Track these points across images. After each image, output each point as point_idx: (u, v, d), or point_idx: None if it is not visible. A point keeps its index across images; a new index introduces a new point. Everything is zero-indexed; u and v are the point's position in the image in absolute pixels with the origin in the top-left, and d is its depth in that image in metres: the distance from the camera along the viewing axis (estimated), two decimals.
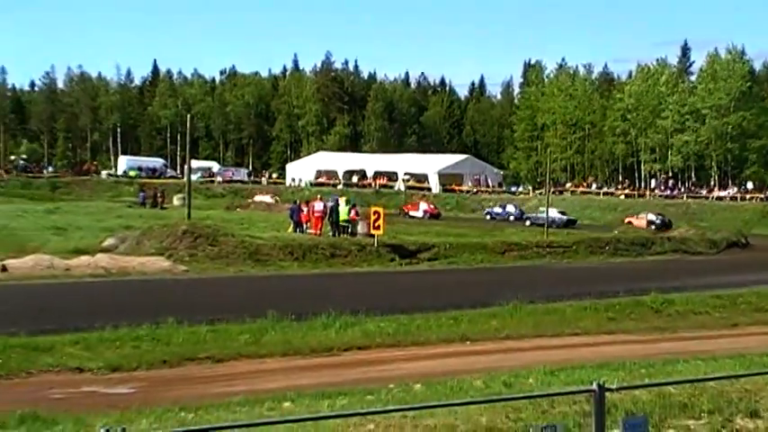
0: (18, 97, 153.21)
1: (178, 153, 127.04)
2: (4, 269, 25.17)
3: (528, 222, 67.05)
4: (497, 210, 73.48)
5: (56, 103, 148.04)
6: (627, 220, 69.70)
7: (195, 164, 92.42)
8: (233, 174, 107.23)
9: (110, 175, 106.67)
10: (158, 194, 68.69)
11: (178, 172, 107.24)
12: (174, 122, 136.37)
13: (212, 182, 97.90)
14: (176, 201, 67.51)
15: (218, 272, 28.41)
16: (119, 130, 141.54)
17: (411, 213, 72.86)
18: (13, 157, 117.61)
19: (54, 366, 12.48)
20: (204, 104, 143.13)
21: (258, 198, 77.74)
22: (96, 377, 12.26)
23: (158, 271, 27.44)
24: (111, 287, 23.95)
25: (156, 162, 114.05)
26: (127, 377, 12.39)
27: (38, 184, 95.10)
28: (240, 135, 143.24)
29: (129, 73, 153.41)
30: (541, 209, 66.09)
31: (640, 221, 68.11)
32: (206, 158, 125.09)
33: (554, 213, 66.16)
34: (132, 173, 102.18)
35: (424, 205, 76.34)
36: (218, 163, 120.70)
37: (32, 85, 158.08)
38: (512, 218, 71.26)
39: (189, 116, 42.57)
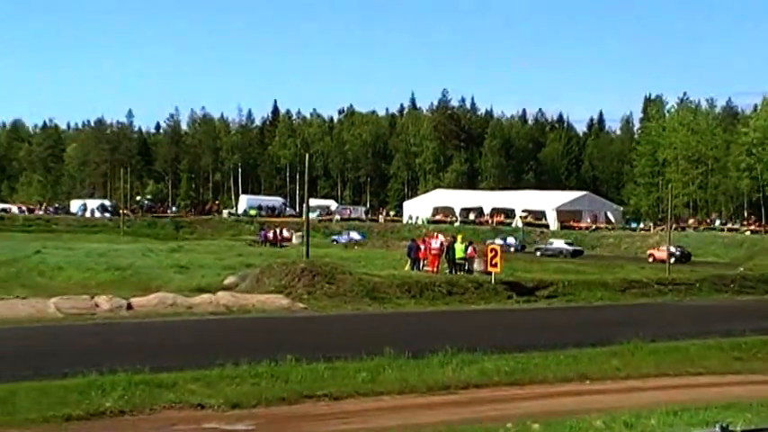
0: (144, 139, 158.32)
1: (297, 192, 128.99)
2: (130, 307, 25.88)
3: (539, 253, 68.93)
4: (498, 241, 69.61)
5: (180, 144, 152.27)
6: (649, 253, 69.56)
7: (314, 202, 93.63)
8: (351, 212, 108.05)
9: (231, 214, 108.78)
10: (277, 233, 69.75)
11: (297, 210, 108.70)
12: (293, 162, 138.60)
13: (330, 220, 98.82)
14: (295, 239, 68.45)
15: (336, 309, 28.61)
16: (239, 169, 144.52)
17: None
18: (138, 198, 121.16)
19: (176, 403, 12.72)
20: (323, 143, 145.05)
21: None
22: (217, 414, 12.45)
23: (277, 308, 27.82)
24: (231, 324, 24.37)
25: (276, 201, 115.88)
26: (246, 414, 12.54)
27: (162, 223, 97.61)
28: (358, 173, 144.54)
29: (249, 114, 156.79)
30: (550, 240, 73.16)
31: (661, 253, 63.32)
32: (324, 197, 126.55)
33: (561, 244, 72.16)
34: (252, 211, 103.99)
35: (441, 237, 75.09)
36: (337, 201, 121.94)
37: (158, 127, 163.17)
38: (512, 249, 69.82)
39: (307, 155, 43.35)
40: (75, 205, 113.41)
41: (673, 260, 59.24)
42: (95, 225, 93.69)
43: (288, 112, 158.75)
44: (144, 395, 12.78)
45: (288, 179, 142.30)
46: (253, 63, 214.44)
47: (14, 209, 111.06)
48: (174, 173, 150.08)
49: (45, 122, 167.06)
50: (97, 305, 25.60)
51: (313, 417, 12.71)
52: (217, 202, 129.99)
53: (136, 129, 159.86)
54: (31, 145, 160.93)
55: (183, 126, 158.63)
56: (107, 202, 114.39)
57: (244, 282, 33.21)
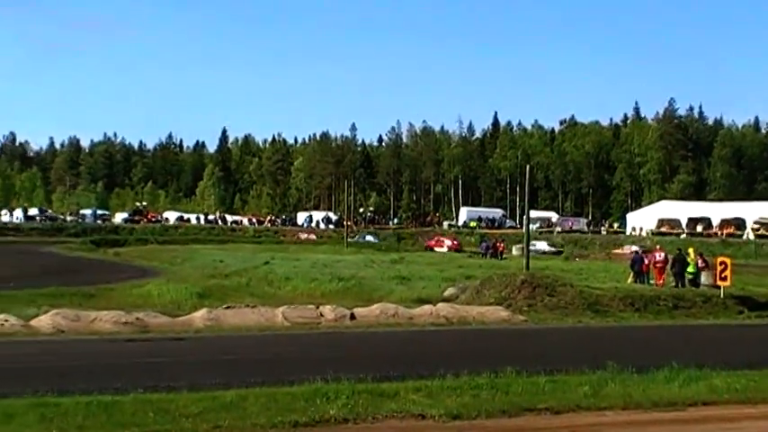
0: (367, 152, 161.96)
1: (517, 203, 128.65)
2: (353, 317, 26.47)
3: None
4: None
5: (401, 156, 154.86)
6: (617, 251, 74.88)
7: (534, 214, 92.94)
8: (572, 224, 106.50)
9: (451, 225, 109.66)
10: (498, 244, 69.63)
11: (517, 222, 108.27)
12: (513, 173, 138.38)
13: (551, 232, 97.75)
14: (515, 251, 68.14)
15: (556, 322, 28.23)
16: (460, 181, 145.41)
17: (436, 249, 79.60)
18: (361, 210, 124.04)
19: (398, 412, 12.87)
20: (543, 155, 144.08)
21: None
22: (438, 424, 12.51)
23: (497, 320, 27.73)
24: (451, 336, 24.49)
25: (496, 212, 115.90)
26: (467, 425, 12.54)
27: (384, 234, 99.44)
28: (579, 185, 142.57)
29: (470, 126, 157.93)
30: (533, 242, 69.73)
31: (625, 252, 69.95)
32: (545, 208, 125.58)
33: (543, 246, 76.73)
34: (472, 223, 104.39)
35: (448, 242, 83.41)
36: (557, 213, 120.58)
37: (380, 140, 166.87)
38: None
39: (528, 167, 43.11)
40: (301, 217, 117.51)
41: None
42: (321, 236, 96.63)
43: (508, 123, 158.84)
44: (367, 404, 13.02)
45: (508, 191, 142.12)
46: (473, 75, 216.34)
47: (245, 221, 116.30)
48: (396, 185, 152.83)
49: (274, 137, 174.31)
50: (322, 315, 26.31)
51: (535, 430, 12.58)
52: (437, 214, 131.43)
53: (359, 142, 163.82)
54: (261, 159, 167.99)
55: (404, 139, 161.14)
56: (331, 214, 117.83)
57: (464, 293, 33.31)
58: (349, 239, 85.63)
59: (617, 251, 75.83)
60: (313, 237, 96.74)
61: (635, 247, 65.96)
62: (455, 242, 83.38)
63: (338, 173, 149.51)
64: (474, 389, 14.47)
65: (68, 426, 11.48)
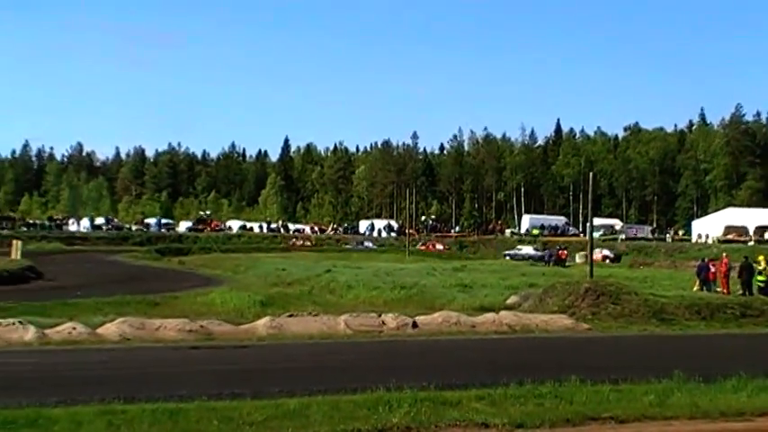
0: (429, 160, 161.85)
1: (580, 211, 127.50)
2: (415, 325, 26.44)
3: (507, 258, 76.42)
4: None
5: (463, 164, 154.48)
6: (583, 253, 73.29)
7: (597, 221, 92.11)
8: (636, 231, 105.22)
9: (513, 233, 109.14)
10: (560, 252, 69.15)
11: (580, 230, 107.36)
12: (576, 180, 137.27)
13: (615, 239, 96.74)
14: (578, 258, 67.59)
15: (620, 330, 27.91)
16: (522, 189, 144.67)
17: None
18: (423, 218, 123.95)
19: (461, 421, 12.82)
20: (607, 162, 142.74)
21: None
22: None
23: (561, 329, 27.50)
24: (514, 344, 24.35)
25: (559, 220, 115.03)
26: None
27: (446, 242, 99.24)
28: (644, 192, 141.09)
29: (532, 133, 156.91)
30: (518, 246, 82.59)
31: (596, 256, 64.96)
32: (608, 216, 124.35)
33: (529, 250, 79.92)
34: (535, 231, 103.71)
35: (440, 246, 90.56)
36: (621, 220, 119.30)
37: (441, 148, 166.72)
38: None
39: (591, 174, 42.71)
40: (363, 225, 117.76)
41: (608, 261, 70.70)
42: (383, 245, 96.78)
43: (571, 130, 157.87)
44: (429, 412, 12.99)
45: (571, 198, 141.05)
46: (536, 82, 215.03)
47: (307, 229, 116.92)
48: (458, 193, 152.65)
49: (336, 146, 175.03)
50: (384, 323, 26.33)
51: None
52: (499, 222, 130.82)
53: (420, 150, 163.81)
54: (323, 168, 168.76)
55: (466, 146, 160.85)
56: (393, 222, 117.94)
57: (526, 301, 33.11)
58: (346, 246, 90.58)
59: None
60: (308, 243, 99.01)
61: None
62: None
63: (400, 181, 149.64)
64: (537, 397, 14.38)
65: None
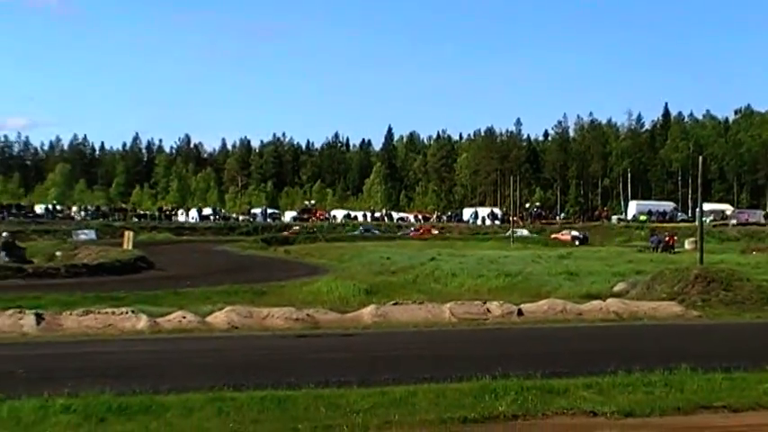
0: (533, 147, 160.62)
1: (689, 196, 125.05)
2: (521, 313, 26.28)
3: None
4: None
5: (568, 151, 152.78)
6: (553, 236, 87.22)
7: (707, 207, 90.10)
8: (748, 216, 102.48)
9: (620, 219, 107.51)
10: (669, 239, 67.85)
11: (689, 215, 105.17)
12: (684, 165, 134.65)
13: (725, 225, 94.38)
14: (688, 245, 66.17)
15: (732, 318, 27.22)
16: (629, 175, 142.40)
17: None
18: (527, 205, 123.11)
19: (568, 409, 12.69)
20: (717, 146, 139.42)
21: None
22: (610, 422, 12.27)
23: (670, 316, 26.98)
24: (621, 332, 23.98)
25: (667, 206, 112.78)
26: (641, 423, 12.26)
27: (551, 230, 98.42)
28: (755, 176, 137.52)
29: (639, 118, 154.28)
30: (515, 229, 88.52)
31: (565, 236, 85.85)
32: (719, 201, 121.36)
33: (523, 232, 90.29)
34: (642, 217, 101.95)
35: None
36: (732, 205, 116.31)
37: (546, 134, 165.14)
38: None
39: (701, 158, 41.71)
40: (466, 213, 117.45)
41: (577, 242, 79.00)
42: (486, 233, 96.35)
43: (679, 114, 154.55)
44: (536, 400, 12.91)
45: (680, 183, 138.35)
46: (642, 66, 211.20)
47: (411, 218, 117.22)
48: (563, 179, 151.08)
49: (438, 134, 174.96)
50: (489, 311, 26.23)
51: (711, 429, 12.19)
52: (605, 208, 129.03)
53: (524, 137, 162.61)
54: (426, 156, 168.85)
55: (571, 132, 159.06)
56: (497, 210, 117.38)
57: (634, 289, 32.60)
58: (353, 234, 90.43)
59: None
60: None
61: None
62: None
63: (503, 168, 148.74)
64: (647, 386, 14.14)
65: (244, 419, 11.84)
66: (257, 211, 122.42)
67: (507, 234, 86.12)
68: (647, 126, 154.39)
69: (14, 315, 22.49)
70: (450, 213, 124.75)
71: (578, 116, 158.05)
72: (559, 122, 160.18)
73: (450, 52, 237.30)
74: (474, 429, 11.80)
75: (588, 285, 35.16)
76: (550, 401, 12.98)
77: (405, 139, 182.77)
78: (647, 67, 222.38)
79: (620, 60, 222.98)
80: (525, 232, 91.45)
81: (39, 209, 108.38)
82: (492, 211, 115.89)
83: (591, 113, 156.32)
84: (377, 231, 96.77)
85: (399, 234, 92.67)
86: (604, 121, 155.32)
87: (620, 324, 25.54)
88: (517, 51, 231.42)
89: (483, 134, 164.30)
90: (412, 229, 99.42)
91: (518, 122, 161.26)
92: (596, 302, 28.20)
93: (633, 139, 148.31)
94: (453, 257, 52.55)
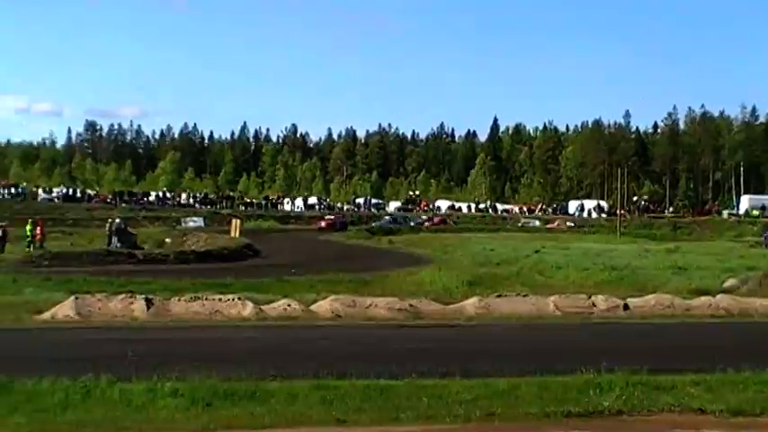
0: (641, 140, 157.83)
1: None
2: (627, 307, 25.89)
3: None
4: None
5: (678, 143, 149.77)
6: (548, 226, 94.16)
7: None
8: None
9: (731, 214, 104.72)
10: None
11: None
12: None
13: None
14: None
15: None
16: (741, 168, 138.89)
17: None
18: (635, 198, 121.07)
19: (675, 406, 12.46)
20: None
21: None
22: (719, 420, 12.02)
23: None
24: (731, 329, 23.42)
25: None
26: (751, 422, 11.96)
27: (659, 224, 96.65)
28: None
29: (753, 110, 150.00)
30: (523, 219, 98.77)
31: (560, 226, 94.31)
32: None
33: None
34: (755, 212, 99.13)
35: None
36: None
37: (655, 127, 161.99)
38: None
39: None
40: (572, 206, 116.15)
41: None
42: (592, 225, 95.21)
43: None
44: (642, 396, 12.70)
45: None
46: (756, 56, 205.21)
47: (516, 210, 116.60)
48: (672, 173, 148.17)
49: (545, 125, 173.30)
50: (594, 304, 25.92)
51: None
52: (716, 203, 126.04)
53: (633, 129, 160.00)
54: (532, 148, 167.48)
55: (681, 125, 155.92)
56: (603, 203, 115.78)
57: (745, 285, 31.85)
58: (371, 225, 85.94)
59: None
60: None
61: None
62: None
63: (611, 161, 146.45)
64: (758, 384, 13.79)
65: (347, 408, 11.95)
66: (362, 201, 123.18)
67: (521, 224, 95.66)
68: (762, 119, 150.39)
69: (125, 299, 23.12)
70: (555, 206, 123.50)
71: (689, 108, 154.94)
72: (669, 115, 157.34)
73: (557, 43, 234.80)
74: (578, 424, 11.68)
75: (697, 281, 34.46)
76: (657, 398, 12.76)
77: (510, 131, 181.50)
78: (762, 57, 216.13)
79: (733, 50, 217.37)
80: (537, 223, 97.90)
81: (150, 196, 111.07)
82: (598, 203, 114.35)
83: (703, 105, 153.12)
84: (402, 222, 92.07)
85: (412, 225, 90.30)
86: (716, 114, 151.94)
87: (730, 321, 24.94)
88: (626, 42, 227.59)
89: (590, 126, 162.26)
90: (425, 218, 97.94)
91: (626, 114, 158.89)
92: (705, 298, 27.59)
93: (747, 133, 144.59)
94: (558, 250, 52.14)
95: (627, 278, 37.07)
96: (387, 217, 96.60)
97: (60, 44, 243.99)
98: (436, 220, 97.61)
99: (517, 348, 18.89)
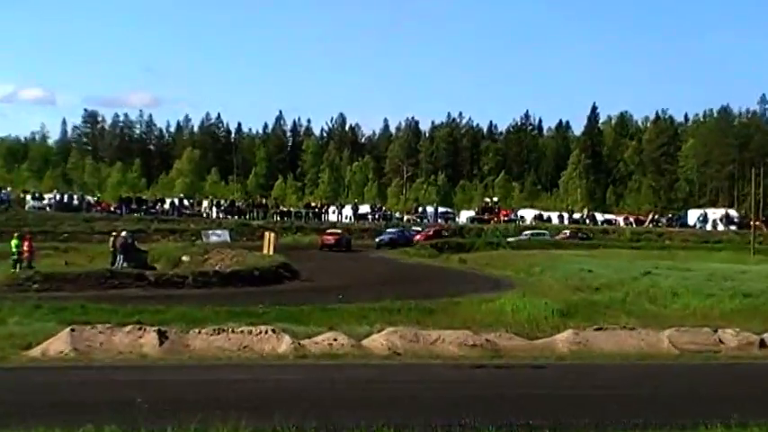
0: None
1: None
2: (763, 344, 25.69)
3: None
4: None
5: None
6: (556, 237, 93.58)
7: None
8: None
9: None
10: None
11: None
12: None
13: None
14: None
15: None
16: None
17: None
18: None
19: None
20: None
21: None
22: None
23: None
24: None
25: None
26: None
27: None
28: None
29: None
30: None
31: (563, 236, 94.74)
32: None
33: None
34: None
35: None
36: None
37: None
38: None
39: None
40: (692, 216, 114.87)
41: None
42: (719, 241, 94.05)
43: None
44: None
45: None
46: None
47: (620, 220, 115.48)
48: None
49: (657, 115, 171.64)
50: (721, 341, 25.73)
51: None
52: None
53: None
54: (641, 143, 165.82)
55: None
56: (733, 212, 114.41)
57: None
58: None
59: None
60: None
61: None
62: None
63: (742, 159, 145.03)
64: None
65: None
66: (428, 209, 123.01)
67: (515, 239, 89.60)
68: None
69: (133, 332, 23.32)
70: (670, 216, 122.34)
71: None
72: None
73: (673, 17, 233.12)
74: None
75: None
76: None
77: (613, 122, 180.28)
78: None
79: None
80: (546, 234, 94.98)
81: (164, 204, 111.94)
82: (726, 212, 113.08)
83: None
84: (410, 235, 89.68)
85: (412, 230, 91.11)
86: None
87: None
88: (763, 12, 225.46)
89: (716, 115, 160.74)
90: (417, 230, 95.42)
91: (762, 100, 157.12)
92: None
93: None
94: (675, 271, 51.58)
95: (763, 308, 36.66)
96: (391, 229, 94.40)
97: (52, 17, 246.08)
98: (430, 232, 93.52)
99: (622, 395, 18.75)
